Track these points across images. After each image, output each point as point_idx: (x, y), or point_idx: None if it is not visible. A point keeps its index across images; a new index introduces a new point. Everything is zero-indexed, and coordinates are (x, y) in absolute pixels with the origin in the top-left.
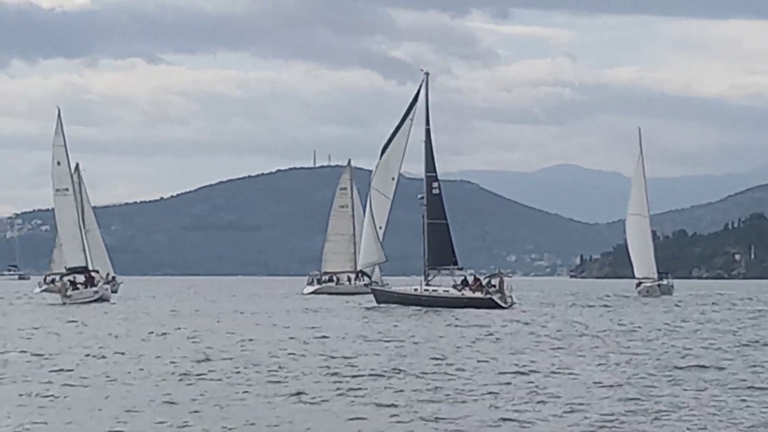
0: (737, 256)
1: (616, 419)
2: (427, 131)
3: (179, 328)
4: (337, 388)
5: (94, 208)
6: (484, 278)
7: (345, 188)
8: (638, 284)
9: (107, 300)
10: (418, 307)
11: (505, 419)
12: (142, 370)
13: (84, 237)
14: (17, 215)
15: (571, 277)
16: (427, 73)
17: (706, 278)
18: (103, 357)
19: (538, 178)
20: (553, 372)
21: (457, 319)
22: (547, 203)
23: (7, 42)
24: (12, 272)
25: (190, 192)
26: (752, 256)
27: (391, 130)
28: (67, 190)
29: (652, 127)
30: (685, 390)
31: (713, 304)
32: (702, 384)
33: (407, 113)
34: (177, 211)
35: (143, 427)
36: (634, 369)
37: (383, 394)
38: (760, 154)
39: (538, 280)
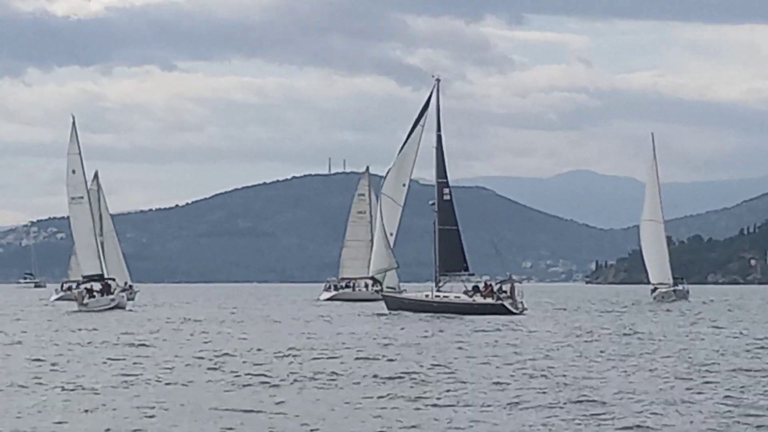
0: (753, 262)
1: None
2: (439, 137)
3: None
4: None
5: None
6: (496, 284)
7: (363, 194)
8: (653, 290)
9: (123, 308)
10: (429, 314)
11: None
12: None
13: (99, 244)
14: (33, 223)
15: (587, 283)
16: (438, 80)
17: (722, 284)
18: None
19: (553, 183)
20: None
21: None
22: (562, 209)
23: (23, 50)
24: (28, 280)
25: (206, 199)
26: None
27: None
28: (81, 198)
29: (668, 132)
30: None
31: None
32: None
33: (418, 120)
34: (192, 218)
35: None
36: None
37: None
38: None
39: (553, 286)
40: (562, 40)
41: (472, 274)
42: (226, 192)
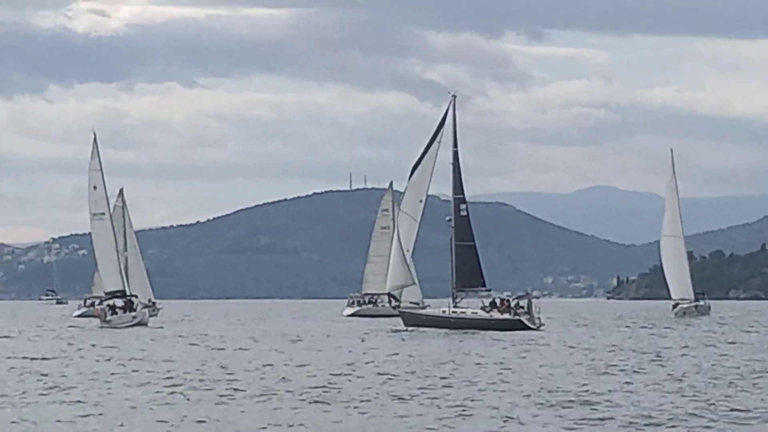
0: None
1: None
2: (455, 153)
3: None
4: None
5: None
6: (513, 299)
7: (387, 210)
8: (675, 305)
9: (145, 324)
10: (446, 329)
11: None
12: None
13: (123, 261)
14: (54, 240)
15: (608, 298)
16: (454, 96)
17: (743, 299)
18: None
19: (573, 199)
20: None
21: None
22: (582, 224)
23: (44, 67)
24: (50, 296)
25: (227, 215)
26: None
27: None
28: (103, 214)
29: (688, 147)
30: None
31: None
32: None
33: (435, 136)
34: (214, 235)
35: None
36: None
37: None
38: None
39: (574, 302)
40: (582, 56)
41: (490, 290)
42: (247, 208)
